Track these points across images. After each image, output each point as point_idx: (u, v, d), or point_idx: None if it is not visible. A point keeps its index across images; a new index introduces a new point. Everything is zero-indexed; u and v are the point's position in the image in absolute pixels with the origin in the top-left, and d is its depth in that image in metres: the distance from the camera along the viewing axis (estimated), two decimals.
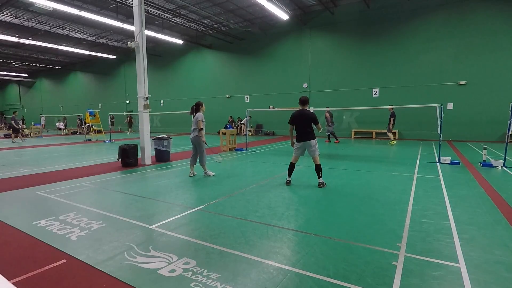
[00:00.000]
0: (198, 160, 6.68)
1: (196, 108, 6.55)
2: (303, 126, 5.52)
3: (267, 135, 19.90)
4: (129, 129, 24.33)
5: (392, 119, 12.72)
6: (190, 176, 6.61)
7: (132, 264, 2.69)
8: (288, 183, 5.71)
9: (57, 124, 26.37)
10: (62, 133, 24.35)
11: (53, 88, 35.44)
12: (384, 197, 4.78)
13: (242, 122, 19.59)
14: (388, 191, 5.16)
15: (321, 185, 5.51)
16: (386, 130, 13.40)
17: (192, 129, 6.53)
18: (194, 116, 6.55)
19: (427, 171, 6.92)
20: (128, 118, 24.62)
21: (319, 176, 5.54)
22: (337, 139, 14.14)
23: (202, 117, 6.44)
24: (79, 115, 22.21)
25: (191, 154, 6.79)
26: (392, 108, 12.54)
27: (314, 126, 5.60)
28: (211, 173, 6.65)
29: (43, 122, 27.15)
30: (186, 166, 7.99)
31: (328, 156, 9.65)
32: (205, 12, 16.78)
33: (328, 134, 14.20)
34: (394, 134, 13.44)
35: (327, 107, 14.26)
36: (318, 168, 5.53)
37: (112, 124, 26.61)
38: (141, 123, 8.52)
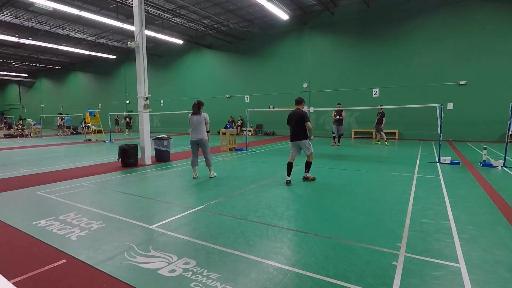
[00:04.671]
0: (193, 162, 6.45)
1: (199, 107, 6.22)
2: (294, 125, 5.74)
3: (267, 135, 19.89)
4: (127, 130, 23.52)
5: (383, 118, 12.53)
6: (194, 178, 6.35)
7: (132, 264, 2.69)
8: (288, 183, 5.72)
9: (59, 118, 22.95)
10: (63, 134, 22.88)
11: (53, 88, 35.41)
12: (384, 197, 4.78)
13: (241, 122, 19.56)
14: (388, 191, 5.16)
15: (305, 179, 5.82)
16: (375, 130, 13.08)
17: (199, 129, 6.19)
18: (199, 115, 6.20)
19: (427, 171, 6.92)
20: (126, 119, 23.64)
21: (306, 171, 5.84)
22: (335, 142, 12.85)
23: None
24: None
25: (192, 155, 6.44)
26: (382, 108, 12.39)
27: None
28: (215, 174, 6.57)
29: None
30: (186, 166, 8.00)
31: (328, 156, 9.64)
32: (205, 12, 16.76)
33: (334, 135, 12.77)
34: (385, 133, 13.30)
35: (338, 104, 13.04)
36: (308, 164, 5.83)
37: (117, 124, 26.39)
38: (141, 123, 8.52)
